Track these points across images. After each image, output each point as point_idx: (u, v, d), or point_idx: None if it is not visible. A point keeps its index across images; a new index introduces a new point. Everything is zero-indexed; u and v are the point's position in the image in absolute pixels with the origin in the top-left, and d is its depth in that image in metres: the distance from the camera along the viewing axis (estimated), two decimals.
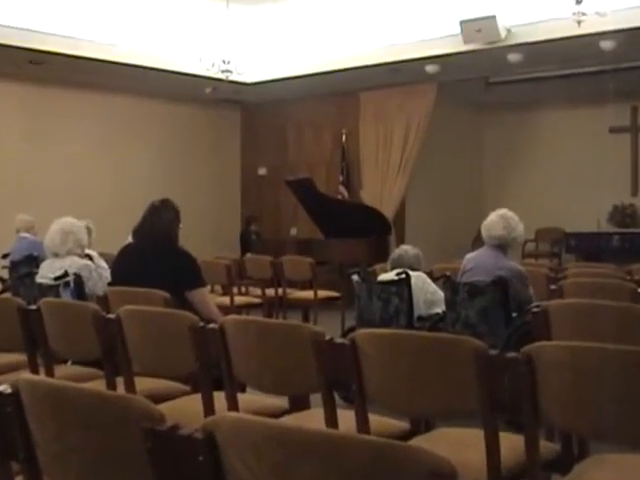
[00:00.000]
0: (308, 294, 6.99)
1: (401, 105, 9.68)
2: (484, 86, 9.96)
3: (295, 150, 10.91)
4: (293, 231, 10.74)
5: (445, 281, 4.13)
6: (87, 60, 8.24)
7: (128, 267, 3.76)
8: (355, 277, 4.34)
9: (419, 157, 9.73)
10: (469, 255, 4.30)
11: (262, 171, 11.30)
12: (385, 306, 4.13)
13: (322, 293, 6.92)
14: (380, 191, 9.86)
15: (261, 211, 11.05)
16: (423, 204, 10.28)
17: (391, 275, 4.24)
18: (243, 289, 7.19)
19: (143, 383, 2.86)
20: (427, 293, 4.22)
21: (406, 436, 2.34)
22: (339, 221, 9.10)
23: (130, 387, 2.73)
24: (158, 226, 3.76)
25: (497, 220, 4.09)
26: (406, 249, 4.51)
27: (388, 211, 9.61)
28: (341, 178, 10.17)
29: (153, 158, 10.22)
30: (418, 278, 4.22)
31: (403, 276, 4.12)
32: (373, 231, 8.99)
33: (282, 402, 2.71)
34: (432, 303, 4.23)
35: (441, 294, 4.22)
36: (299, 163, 10.77)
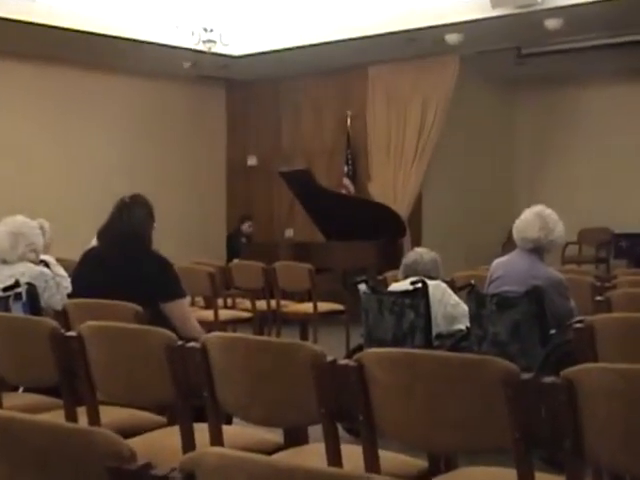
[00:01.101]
0: (306, 307, 7.02)
1: (417, 82, 9.70)
2: (516, 58, 9.89)
3: (291, 136, 10.90)
4: (289, 232, 10.76)
5: (469, 291, 4.15)
6: (39, 27, 8.10)
7: (92, 275, 3.79)
8: (362, 287, 4.37)
9: (438, 144, 9.72)
10: (498, 260, 4.32)
11: (252, 161, 11.32)
12: (398, 321, 4.16)
13: (323, 306, 6.95)
14: (392, 185, 9.88)
15: (250, 209, 11.08)
16: (443, 200, 10.27)
17: (405, 284, 4.27)
18: (229, 301, 7.21)
19: (110, 414, 2.88)
20: (447, 306, 4.25)
21: (424, 476, 2.35)
22: (343, 221, 9.13)
23: (94, 418, 2.73)
24: (128, 226, 3.79)
25: (532, 219, 4.12)
26: (421, 253, 4.54)
27: (402, 208, 9.63)
28: (346, 169, 10.20)
29: (121, 146, 10.19)
30: (436, 288, 4.24)
31: (419, 285, 4.13)
32: (384, 232, 9.03)
33: (276, 436, 2.73)
34: (453, 318, 4.26)
35: (464, 307, 4.25)
36: (296, 151, 10.78)
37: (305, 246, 9.36)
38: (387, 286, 4.64)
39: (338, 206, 9.25)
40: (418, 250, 4.63)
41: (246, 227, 10.52)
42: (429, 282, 4.20)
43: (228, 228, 11.13)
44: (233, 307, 7.14)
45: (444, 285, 4.34)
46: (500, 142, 11.30)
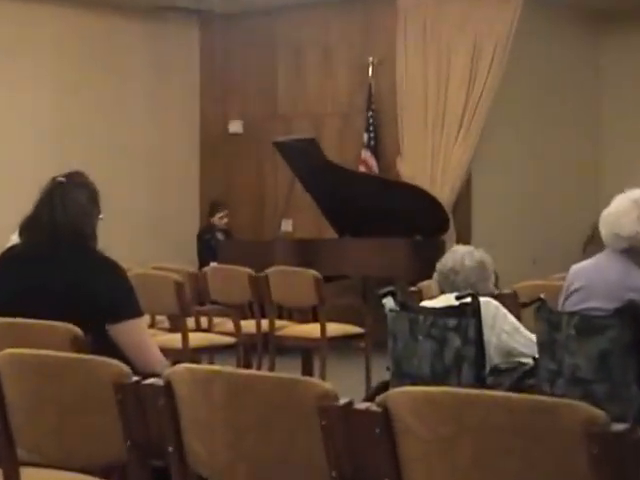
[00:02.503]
0: (311, 329, 7.05)
1: (466, 16, 9.70)
2: None
3: (290, 92, 10.94)
4: (286, 225, 10.77)
5: (538, 309, 4.14)
6: None
7: (13, 284, 3.76)
8: (389, 302, 4.39)
9: (495, 104, 9.75)
10: (578, 266, 4.33)
11: (235, 127, 11.35)
12: (438, 350, 4.16)
13: (334, 328, 7.00)
14: (431, 161, 9.87)
15: (233, 193, 11.16)
16: (501, 183, 10.27)
17: (448, 299, 4.28)
18: (204, 321, 7.24)
19: (36, 478, 2.84)
20: (501, 334, 4.30)
21: None
22: (362, 210, 9.17)
23: None
24: (63, 217, 3.76)
25: (628, 208, 4.12)
26: (462, 255, 4.54)
27: (443, 194, 9.66)
28: (366, 138, 10.21)
29: (51, 104, 10.17)
30: (487, 308, 4.26)
31: (468, 300, 4.13)
32: (418, 227, 9.04)
33: None
34: (509, 352, 4.30)
35: (528, 335, 4.28)
36: (297, 114, 10.84)
37: (309, 245, 9.42)
38: (423, 301, 4.70)
39: (355, 190, 9.25)
40: (459, 250, 4.63)
41: (217, 219, 10.70)
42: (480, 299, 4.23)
43: (202, 219, 11.29)
44: (209, 329, 7.16)
45: (495, 304, 4.36)
46: (582, 102, 11.28)
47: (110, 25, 10.64)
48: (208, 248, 10.27)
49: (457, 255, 4.54)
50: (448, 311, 4.18)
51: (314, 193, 9.56)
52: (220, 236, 10.57)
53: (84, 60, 10.45)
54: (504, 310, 4.35)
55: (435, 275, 4.58)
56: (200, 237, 10.75)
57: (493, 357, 4.23)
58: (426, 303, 4.53)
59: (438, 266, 4.58)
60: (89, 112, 10.52)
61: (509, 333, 4.28)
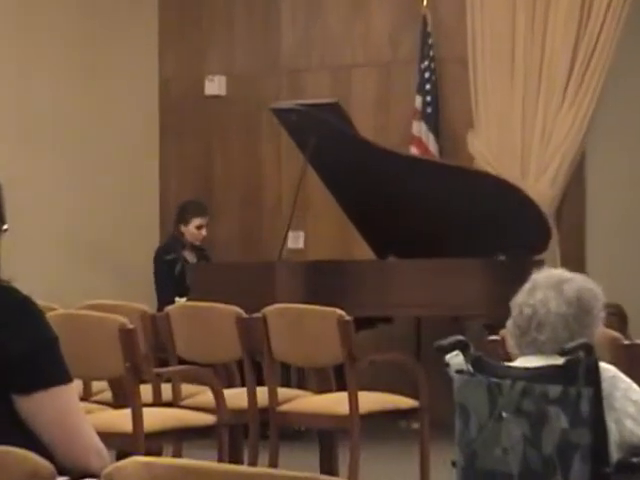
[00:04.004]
0: (334, 402, 7.19)
1: None
2: None
3: (301, 31, 11.26)
4: (295, 240, 11.01)
5: None
6: None
7: None
8: (456, 360, 4.49)
9: (620, 54, 9.97)
10: None
11: (215, 87, 11.62)
12: (535, 434, 4.22)
13: (370, 399, 7.16)
14: (521, 138, 10.11)
15: (212, 190, 11.22)
16: (629, 170, 10.44)
17: (551, 358, 4.35)
18: (166, 389, 7.36)
19: None
20: (624, 418, 4.35)
21: None
22: (413, 217, 9.39)
23: None
24: None
25: None
26: (546, 288, 4.48)
27: (541, 188, 9.88)
28: (419, 103, 10.42)
29: None
30: (605, 377, 4.34)
31: (581, 355, 4.21)
32: (501, 241, 9.24)
33: None
34: (638, 443, 4.34)
35: None
36: (308, 65, 11.16)
37: (331, 270, 9.60)
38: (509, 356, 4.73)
39: (402, 184, 9.44)
40: (540, 282, 4.54)
41: (192, 229, 10.76)
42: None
43: (163, 230, 11.61)
44: (174, 403, 7.31)
45: (613, 370, 4.41)
46: None
47: None
48: (171, 275, 10.31)
49: (537, 293, 4.49)
50: (549, 373, 4.26)
51: (338, 190, 9.72)
52: (190, 256, 10.59)
53: None
54: (626, 380, 4.39)
55: (508, 324, 4.57)
56: (159, 257, 10.79)
57: (611, 451, 4.29)
58: (522, 360, 4.52)
59: (512, 306, 4.57)
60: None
61: (635, 418, 4.34)
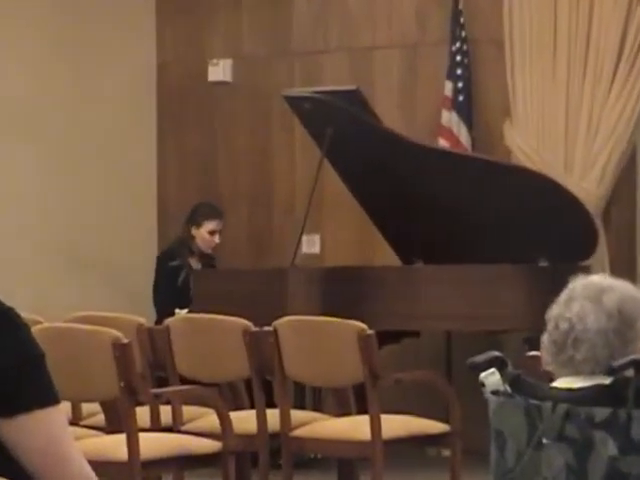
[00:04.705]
0: (354, 426, 7.50)
1: None
2: None
3: (314, 11, 11.34)
4: (310, 244, 11.32)
5: None
6: None
7: None
8: (492, 379, 4.39)
9: None
10: None
11: (219, 72, 11.92)
12: (579, 462, 4.12)
13: (395, 423, 7.48)
14: (564, 129, 10.28)
15: (215, 187, 11.47)
16: None
17: (597, 377, 4.26)
18: (166, 412, 7.66)
19: None
20: None
21: None
22: (444, 217, 9.71)
23: None
24: None
25: None
26: (584, 299, 4.43)
27: (587, 185, 10.14)
28: (450, 91, 10.62)
29: None
30: None
31: (630, 373, 4.16)
32: (543, 244, 9.41)
33: None
34: None
35: None
36: (325, 48, 11.30)
37: (350, 277, 9.89)
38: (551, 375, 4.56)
39: (431, 181, 9.72)
40: (578, 292, 4.48)
41: (205, 233, 10.86)
42: None
43: (161, 233, 11.44)
44: (175, 427, 7.58)
45: None
46: None
47: None
48: (173, 284, 10.15)
49: (574, 305, 4.45)
50: (594, 394, 4.21)
51: (358, 187, 9.94)
52: (196, 265, 10.69)
53: None
54: None
55: (543, 340, 4.48)
56: (162, 263, 10.86)
57: None
58: (559, 381, 4.42)
59: (548, 326, 4.49)
60: None
61: None
